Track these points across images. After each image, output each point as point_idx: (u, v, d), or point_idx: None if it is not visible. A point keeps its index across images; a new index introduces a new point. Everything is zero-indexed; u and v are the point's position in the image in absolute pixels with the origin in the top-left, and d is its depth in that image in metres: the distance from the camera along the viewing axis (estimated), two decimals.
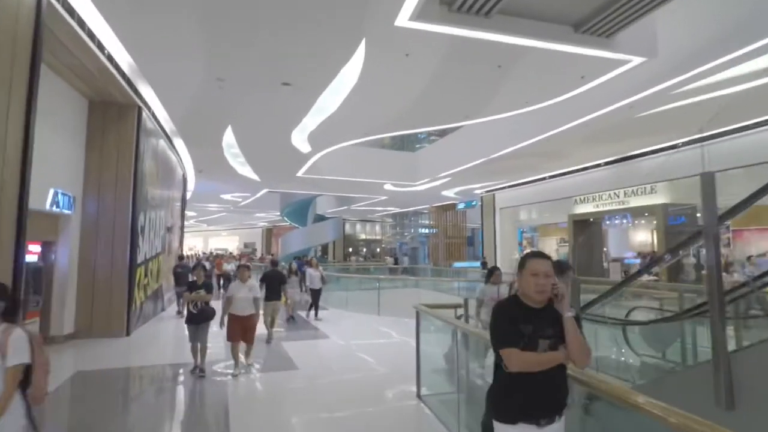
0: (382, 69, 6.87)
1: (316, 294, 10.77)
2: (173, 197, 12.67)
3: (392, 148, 18.69)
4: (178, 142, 11.75)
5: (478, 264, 26.50)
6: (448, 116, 9.20)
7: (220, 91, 7.94)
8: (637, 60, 6.39)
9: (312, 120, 9.52)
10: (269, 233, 42.77)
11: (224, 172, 15.54)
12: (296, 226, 25.82)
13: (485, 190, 19.36)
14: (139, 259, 8.22)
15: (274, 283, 8.34)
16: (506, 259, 18.63)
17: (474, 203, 21.67)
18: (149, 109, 8.70)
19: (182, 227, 15.22)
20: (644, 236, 18.97)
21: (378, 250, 35.82)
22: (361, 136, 10.91)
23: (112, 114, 7.90)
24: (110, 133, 7.88)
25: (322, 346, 7.93)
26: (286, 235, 25.40)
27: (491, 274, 5.87)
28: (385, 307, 11.43)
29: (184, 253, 17.37)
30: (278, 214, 26.47)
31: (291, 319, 10.24)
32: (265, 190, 19.88)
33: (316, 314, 10.63)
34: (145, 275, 8.88)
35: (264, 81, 7.40)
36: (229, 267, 15.49)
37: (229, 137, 11.08)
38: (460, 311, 5.85)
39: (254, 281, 6.54)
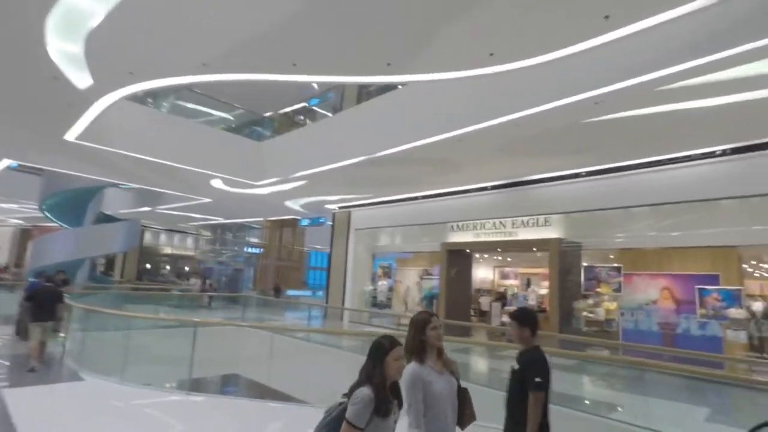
0: None
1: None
2: None
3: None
4: None
5: (308, 293, 22.91)
6: (362, 55, 5.55)
7: None
8: None
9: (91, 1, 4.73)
10: (25, 235, 30.95)
11: None
12: (66, 226, 18.02)
13: (340, 205, 16.08)
14: None
15: (46, 302, 7.62)
16: (357, 292, 15.49)
17: (323, 220, 18.17)
18: None
19: None
20: (486, 272, 18.46)
21: (187, 269, 28.75)
22: (195, 71, 6.28)
23: None
24: None
25: None
26: (46, 239, 17.35)
27: None
28: (203, 366, 6.80)
29: None
30: (38, 206, 18.18)
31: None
32: (7, 163, 12.56)
33: None
34: None
35: None
36: None
37: None
38: None
39: None
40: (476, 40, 5.12)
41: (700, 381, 6.57)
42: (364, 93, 11.84)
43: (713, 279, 8.71)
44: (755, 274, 10.33)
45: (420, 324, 2.72)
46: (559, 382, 5.54)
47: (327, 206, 16.36)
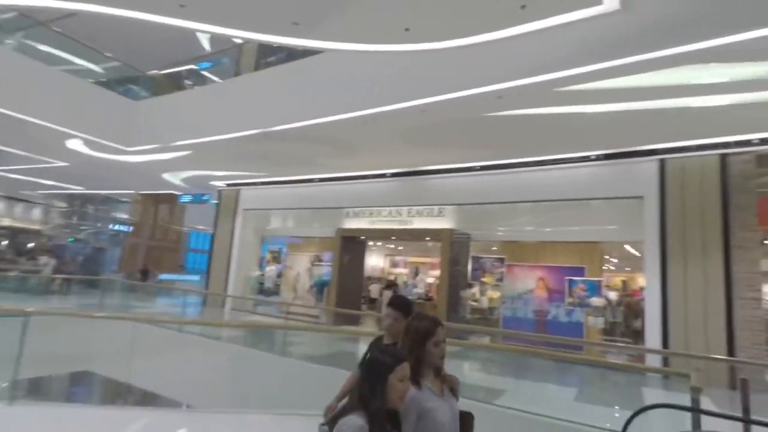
0: None
1: None
2: None
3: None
4: None
5: (195, 278, 20.88)
6: (266, 6, 4.83)
7: None
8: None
9: None
10: None
11: None
12: None
13: (228, 183, 14.77)
14: None
15: None
16: (242, 277, 14.40)
17: (207, 198, 16.54)
18: None
19: None
20: (378, 260, 18.80)
21: (32, 245, 24.16)
22: None
23: None
24: None
25: None
26: None
27: None
28: (44, 364, 5.54)
29: None
30: None
31: None
32: None
33: None
34: None
35: None
36: None
37: None
38: None
39: None
40: (394, 10, 4.78)
41: (568, 364, 7.22)
42: (263, 64, 10.85)
43: (580, 271, 9.72)
44: (603, 267, 11.85)
45: (420, 335, 2.04)
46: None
47: (212, 183, 14.91)
